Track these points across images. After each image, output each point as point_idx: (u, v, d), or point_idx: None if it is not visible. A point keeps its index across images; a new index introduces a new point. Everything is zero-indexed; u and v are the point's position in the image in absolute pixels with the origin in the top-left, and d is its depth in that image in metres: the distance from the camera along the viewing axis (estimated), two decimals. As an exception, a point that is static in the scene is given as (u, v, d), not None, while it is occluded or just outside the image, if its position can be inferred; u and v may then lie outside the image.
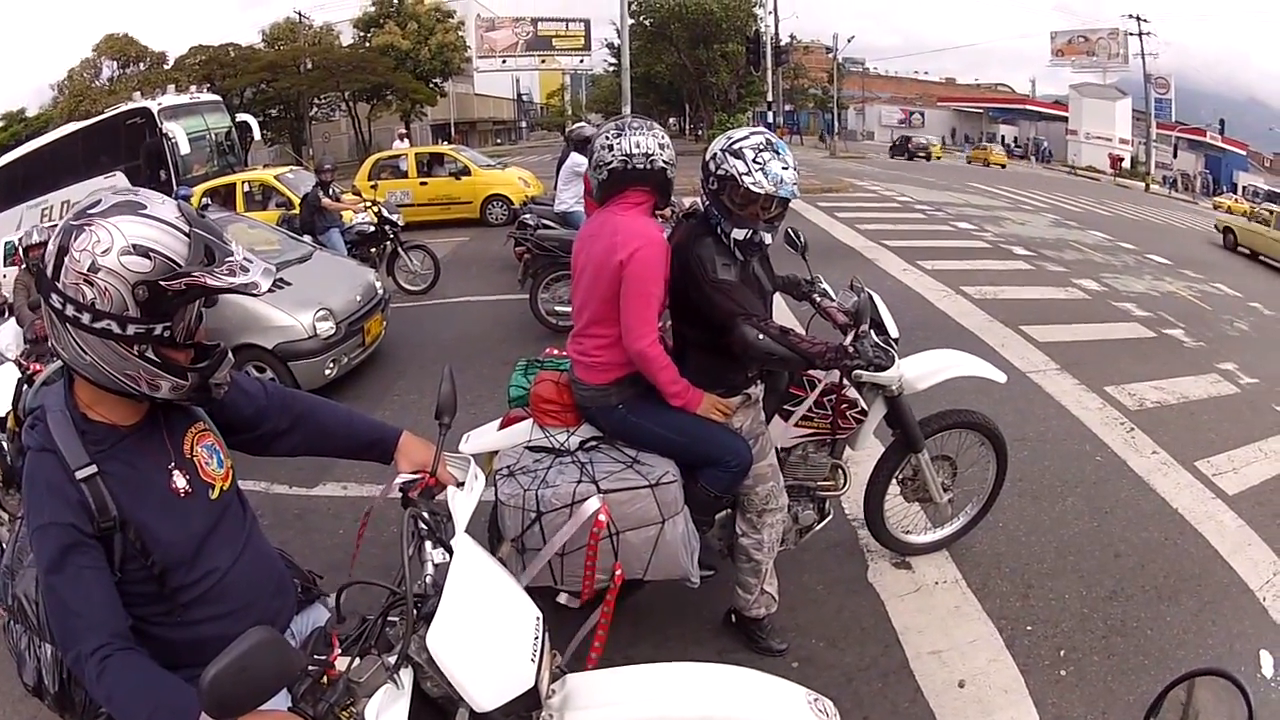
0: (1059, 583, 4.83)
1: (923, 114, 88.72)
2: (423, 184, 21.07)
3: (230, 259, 1.91)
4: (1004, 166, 57.41)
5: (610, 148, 3.65)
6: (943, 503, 4.77)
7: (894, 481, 4.71)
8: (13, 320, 8.27)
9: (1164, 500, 5.95)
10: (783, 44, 49.94)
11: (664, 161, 3.64)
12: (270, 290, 1.99)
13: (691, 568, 3.73)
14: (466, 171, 21.00)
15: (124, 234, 1.83)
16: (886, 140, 73.94)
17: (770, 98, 44.50)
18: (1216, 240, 25.87)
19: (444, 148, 24.79)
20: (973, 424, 4.75)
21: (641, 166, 3.62)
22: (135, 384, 1.95)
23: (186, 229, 1.89)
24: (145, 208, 1.89)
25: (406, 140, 34.37)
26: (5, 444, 5.45)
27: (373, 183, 20.80)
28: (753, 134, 3.68)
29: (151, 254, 1.83)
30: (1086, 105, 67.81)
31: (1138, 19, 63.07)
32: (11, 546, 2.33)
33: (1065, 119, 70.94)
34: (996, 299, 11.91)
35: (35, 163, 25.84)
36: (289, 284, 8.40)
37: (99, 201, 1.92)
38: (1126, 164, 59.85)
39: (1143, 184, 51.64)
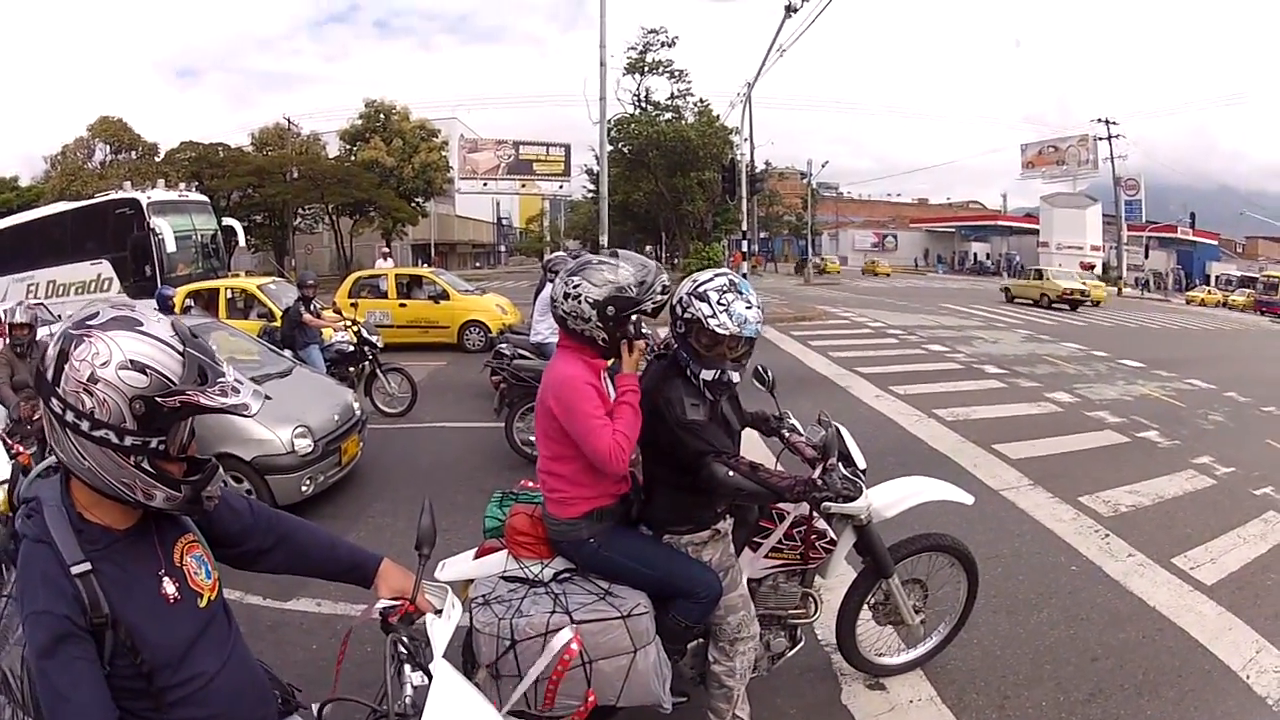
0: (1036, 691, 4.86)
1: (895, 236, 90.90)
2: (402, 305, 21.07)
3: (222, 380, 1.99)
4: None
5: None
6: (915, 624, 4.78)
7: (865, 606, 4.71)
8: None
9: (1141, 600, 6.04)
10: (758, 171, 50.54)
11: (563, 312, 3.66)
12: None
13: (663, 695, 3.77)
14: (445, 295, 21.00)
15: (122, 349, 1.92)
16: (859, 264, 76.56)
17: (745, 226, 45.01)
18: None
19: (424, 270, 24.77)
20: (942, 547, 4.80)
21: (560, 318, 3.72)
22: (131, 491, 2.01)
23: (180, 348, 1.98)
24: (141, 325, 1.99)
25: (389, 259, 34.59)
26: None
27: (353, 301, 20.33)
28: (716, 276, 3.77)
29: (148, 370, 1.91)
30: (1057, 215, 69.17)
31: (1107, 122, 64.65)
32: None
33: (1036, 231, 72.26)
34: (968, 419, 12.08)
35: (24, 236, 26.25)
36: (269, 398, 8.32)
37: (97, 313, 2.02)
38: (1098, 270, 60.74)
39: (1115, 289, 52.45)
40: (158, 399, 1.92)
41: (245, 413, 2.01)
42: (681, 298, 3.75)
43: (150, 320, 2.02)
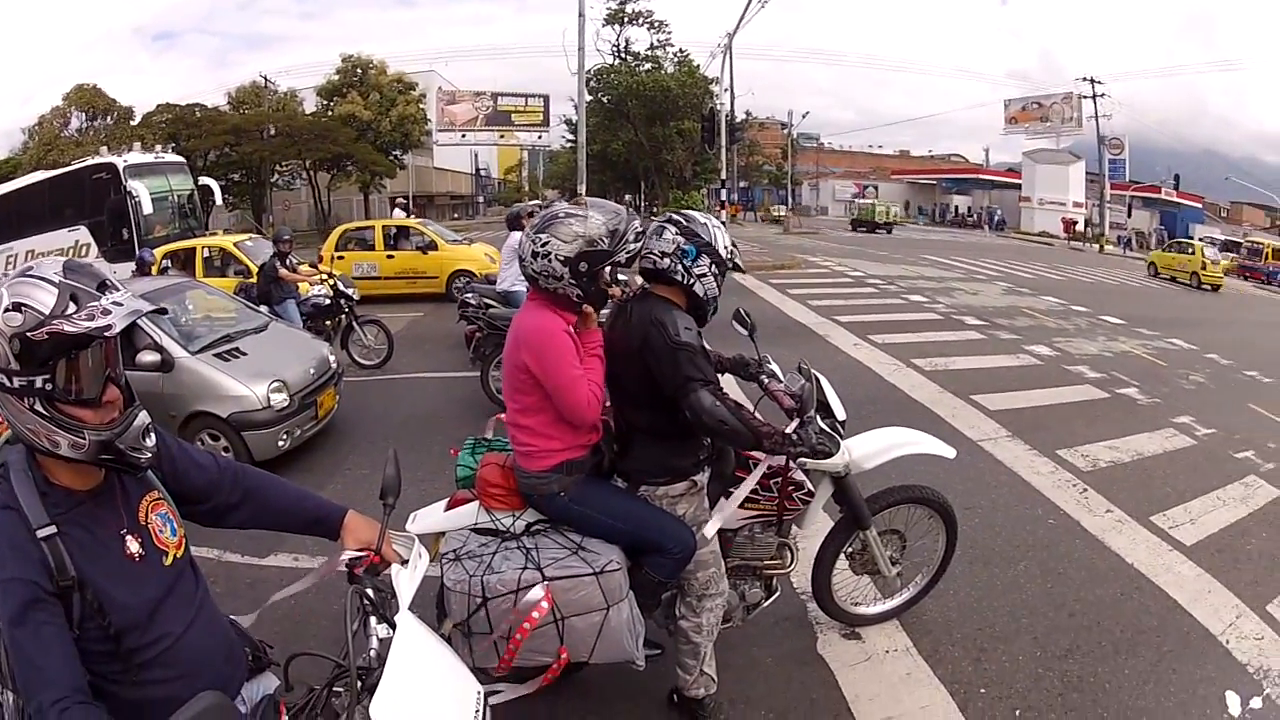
0: (1012, 645, 4.88)
1: (876, 187, 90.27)
2: (389, 257, 20.97)
3: (93, 304, 1.98)
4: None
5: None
6: (891, 575, 4.77)
7: (842, 556, 4.70)
8: None
9: (1119, 557, 6.06)
10: (738, 121, 50.43)
11: (533, 271, 3.56)
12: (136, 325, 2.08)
13: (636, 652, 3.73)
14: (433, 246, 20.86)
15: (6, 294, 1.96)
16: (841, 215, 76.00)
17: (724, 175, 44.87)
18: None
19: (411, 221, 24.62)
20: (922, 499, 4.78)
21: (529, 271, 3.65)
22: (36, 438, 2.04)
23: (57, 281, 1.99)
24: (32, 269, 2.04)
25: (403, 211, 34.41)
26: None
27: (339, 254, 20.81)
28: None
29: (23, 308, 1.94)
30: (1039, 171, 69.21)
31: (1092, 81, 64.27)
32: None
33: (1018, 186, 72.24)
34: (947, 370, 12.09)
35: (0, 209, 25.95)
36: (244, 354, 8.52)
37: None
38: (1080, 227, 60.73)
39: (1097, 246, 52.50)
40: (28, 334, 1.94)
41: (106, 334, 1.98)
42: (730, 250, 3.89)
43: (45, 266, 2.04)
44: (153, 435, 2.21)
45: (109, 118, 53.12)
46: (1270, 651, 4.91)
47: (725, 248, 3.81)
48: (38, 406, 2.01)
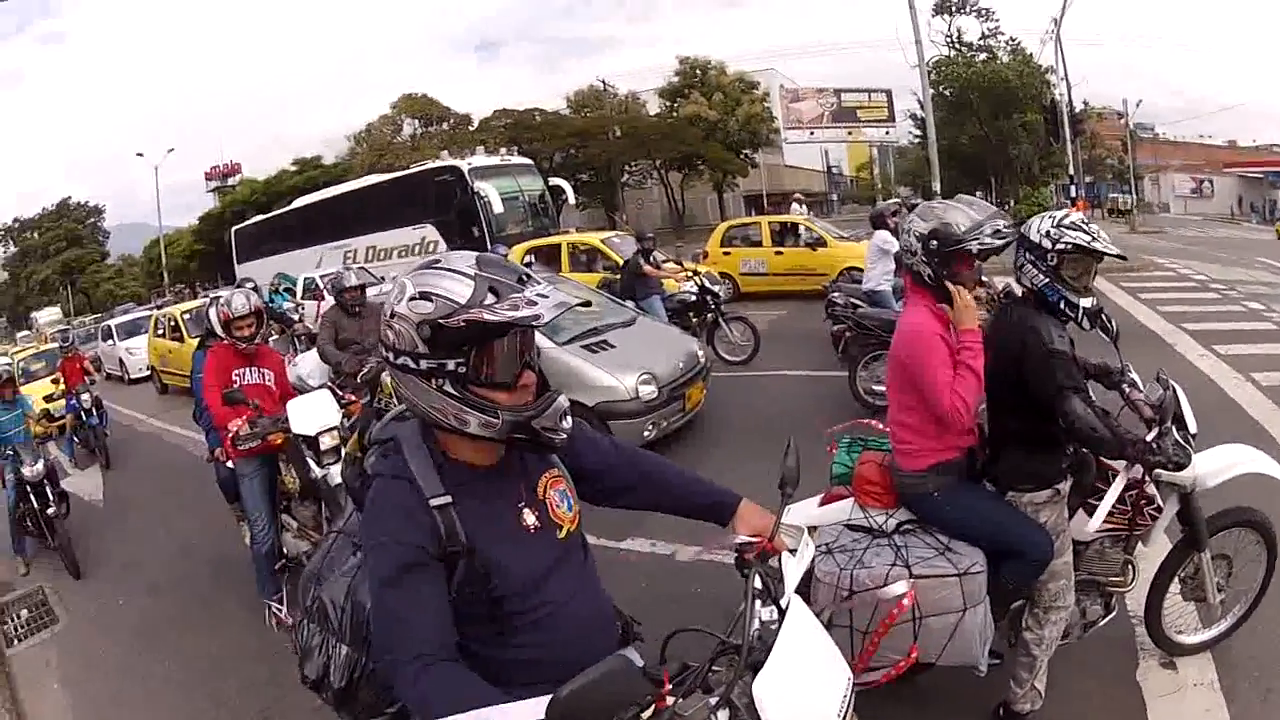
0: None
1: (1211, 182, 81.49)
2: (778, 254, 21.18)
3: (515, 295, 2.08)
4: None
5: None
6: (1215, 603, 4.55)
7: (1175, 579, 4.53)
8: (314, 352, 9.23)
9: None
10: (1076, 111, 48.25)
11: (900, 248, 3.85)
12: (553, 319, 2.12)
13: (982, 657, 3.82)
14: (822, 243, 20.77)
15: (413, 284, 2.13)
16: (1181, 213, 69.07)
17: (1071, 170, 43.12)
18: None
19: (799, 217, 24.65)
20: (1253, 523, 4.55)
21: (901, 261, 3.95)
22: (444, 417, 2.17)
23: (472, 274, 2.11)
24: (440, 262, 2.18)
25: (803, 206, 34.99)
26: (312, 461, 6.20)
27: (725, 250, 21.34)
28: (1067, 213, 3.94)
29: (433, 297, 2.08)
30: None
31: None
32: (322, 556, 2.70)
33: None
34: (1286, 386, 10.94)
35: (339, 208, 29.10)
36: (612, 346, 9.10)
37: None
38: None
39: None
40: (441, 321, 2.06)
41: (535, 323, 2.07)
42: (1049, 231, 3.80)
43: (453, 259, 2.17)
44: (569, 418, 2.29)
45: (445, 124, 56.42)
46: None
47: (1039, 232, 3.83)
48: (447, 387, 2.13)
